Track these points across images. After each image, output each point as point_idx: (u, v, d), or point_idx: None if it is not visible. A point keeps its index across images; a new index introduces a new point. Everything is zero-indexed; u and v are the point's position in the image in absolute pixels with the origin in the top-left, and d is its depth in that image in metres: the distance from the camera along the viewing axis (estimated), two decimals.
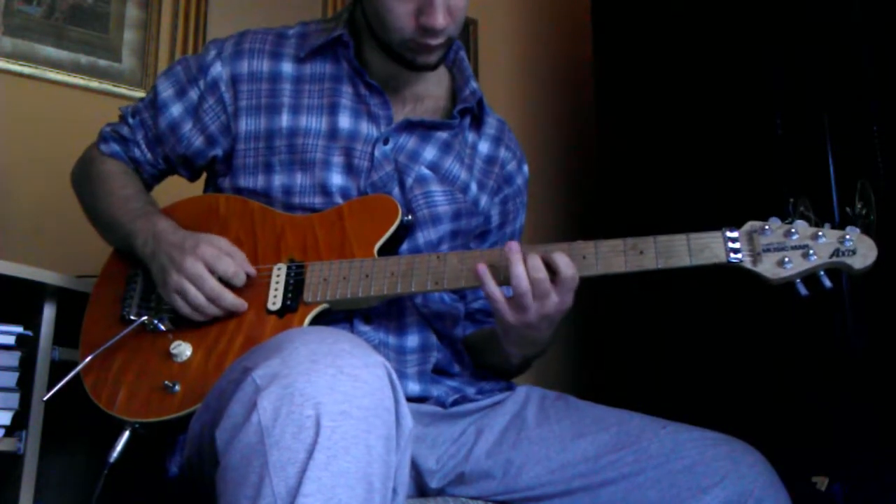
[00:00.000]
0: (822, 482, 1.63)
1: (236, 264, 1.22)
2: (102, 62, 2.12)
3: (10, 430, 1.48)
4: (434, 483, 1.22)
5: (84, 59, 2.10)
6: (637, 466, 1.14)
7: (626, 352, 2.24)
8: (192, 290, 1.20)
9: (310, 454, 0.83)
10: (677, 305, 2.07)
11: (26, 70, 2.02)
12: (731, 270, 1.15)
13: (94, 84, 2.10)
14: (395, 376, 0.92)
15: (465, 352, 1.40)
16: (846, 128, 1.74)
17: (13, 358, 1.49)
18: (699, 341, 2.01)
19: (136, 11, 2.18)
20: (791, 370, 1.79)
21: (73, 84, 2.07)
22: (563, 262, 1.14)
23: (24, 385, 1.49)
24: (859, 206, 1.13)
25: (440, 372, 1.32)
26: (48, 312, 1.53)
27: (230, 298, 1.21)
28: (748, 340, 1.89)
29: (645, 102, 2.28)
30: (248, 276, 1.23)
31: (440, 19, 1.21)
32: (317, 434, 0.84)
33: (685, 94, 2.15)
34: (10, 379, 1.48)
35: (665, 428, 1.17)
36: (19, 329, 1.50)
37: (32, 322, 1.52)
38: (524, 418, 1.25)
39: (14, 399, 1.48)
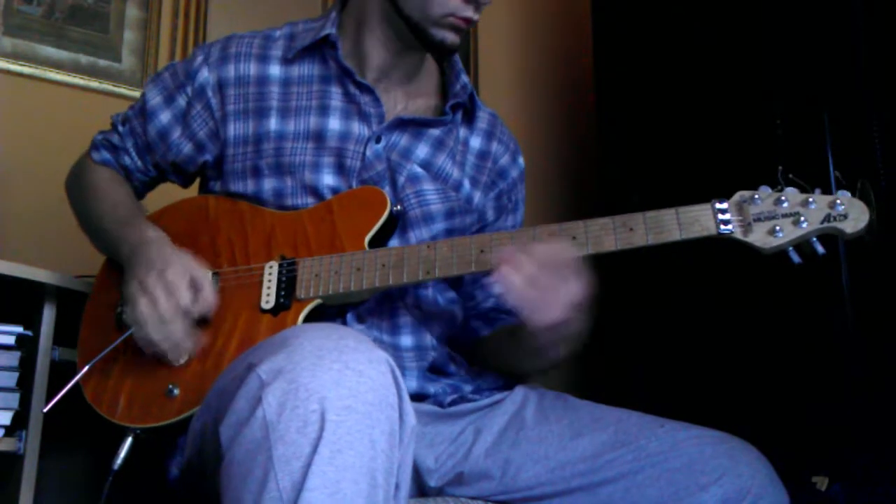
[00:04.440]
0: (822, 482, 1.63)
1: (197, 302, 1.18)
2: (102, 62, 2.12)
3: (10, 430, 1.48)
4: (433, 482, 1.22)
5: (84, 59, 2.10)
6: (636, 465, 1.13)
7: (624, 351, 2.24)
8: (142, 303, 1.16)
9: (315, 448, 0.83)
10: (677, 305, 2.07)
11: (26, 70, 2.02)
12: (722, 242, 1.13)
13: (94, 84, 2.10)
14: (398, 373, 0.92)
15: (484, 355, 1.38)
16: (846, 127, 1.74)
17: (13, 358, 1.49)
18: (698, 340, 2.01)
19: (136, 11, 2.18)
20: (791, 369, 1.79)
21: (73, 84, 2.07)
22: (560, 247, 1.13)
23: (24, 385, 1.49)
24: None
25: (436, 371, 1.32)
26: (48, 312, 1.53)
27: (174, 328, 1.16)
28: (748, 340, 1.89)
29: (645, 103, 2.28)
30: (200, 314, 1.19)
31: None
32: (322, 429, 0.84)
33: (685, 94, 2.15)
34: (10, 379, 1.48)
35: (663, 426, 1.17)
36: (19, 329, 1.50)
37: (32, 322, 1.52)
38: (523, 418, 1.25)
39: (14, 399, 1.48)
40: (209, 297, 1.20)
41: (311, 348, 0.89)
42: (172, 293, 1.17)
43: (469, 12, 1.26)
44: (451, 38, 1.29)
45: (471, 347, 1.42)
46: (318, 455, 0.83)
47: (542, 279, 1.11)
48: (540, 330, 1.15)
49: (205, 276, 1.21)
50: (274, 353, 0.90)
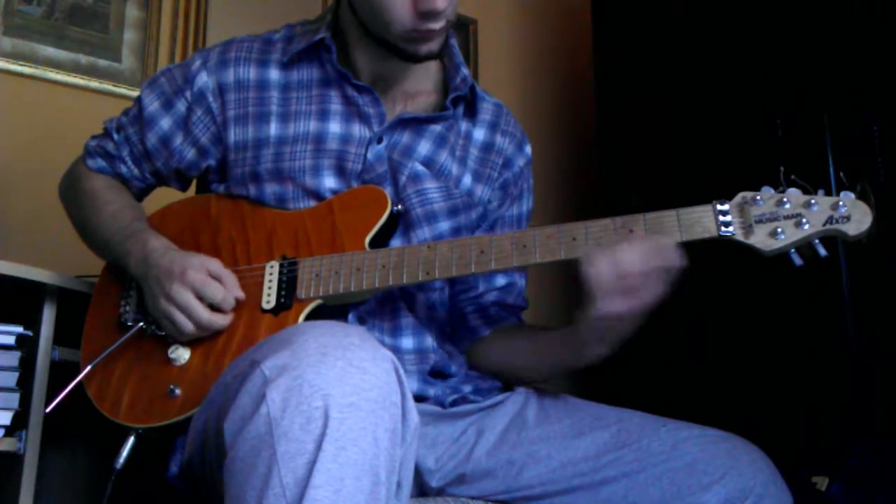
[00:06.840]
0: (822, 482, 1.63)
1: (225, 289, 1.20)
2: (102, 62, 2.12)
3: (10, 430, 1.48)
4: (434, 482, 1.22)
5: (84, 59, 2.10)
6: (638, 464, 1.13)
7: (626, 350, 2.24)
8: (181, 318, 1.19)
9: (318, 445, 0.83)
10: (677, 304, 2.07)
11: (26, 70, 2.02)
12: (723, 244, 1.12)
13: (94, 84, 2.10)
14: (402, 371, 0.92)
15: (481, 355, 1.36)
16: (846, 128, 1.74)
17: (13, 358, 1.48)
18: (700, 340, 2.02)
19: (136, 11, 2.18)
20: (791, 369, 1.79)
21: (73, 84, 2.07)
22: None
23: (24, 385, 1.49)
24: None
25: (436, 375, 1.31)
26: (48, 312, 1.53)
27: (220, 322, 1.20)
28: (748, 340, 1.89)
29: (644, 102, 2.28)
30: (237, 300, 1.21)
31: (439, 1, 1.18)
32: (325, 425, 0.84)
33: (685, 95, 2.15)
34: (10, 379, 1.48)
35: (665, 426, 1.17)
36: (19, 329, 1.50)
37: (32, 322, 1.52)
38: (524, 418, 1.24)
39: (14, 399, 1.48)
40: (234, 283, 1.22)
41: (315, 345, 0.89)
42: (202, 294, 1.19)
43: (429, 24, 1.21)
44: (423, 49, 1.25)
45: (467, 345, 1.39)
46: (322, 452, 0.83)
47: (631, 268, 1.09)
48: (598, 320, 1.13)
49: (219, 264, 1.22)
50: (278, 349, 0.90)
